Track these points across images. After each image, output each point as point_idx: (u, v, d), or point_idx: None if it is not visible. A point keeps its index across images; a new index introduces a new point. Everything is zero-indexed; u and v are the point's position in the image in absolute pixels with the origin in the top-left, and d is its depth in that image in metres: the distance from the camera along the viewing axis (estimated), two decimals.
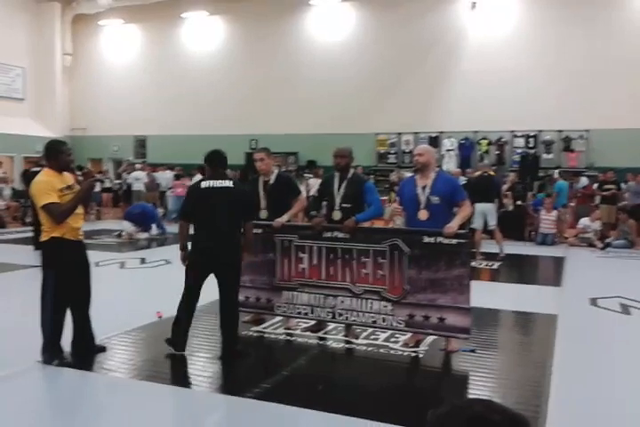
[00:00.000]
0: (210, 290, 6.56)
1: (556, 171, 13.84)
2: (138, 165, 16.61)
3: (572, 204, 13.53)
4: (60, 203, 4.24)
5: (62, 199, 4.27)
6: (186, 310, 4.71)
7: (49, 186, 4.25)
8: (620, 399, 3.96)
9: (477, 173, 10.49)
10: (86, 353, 4.53)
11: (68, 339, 4.51)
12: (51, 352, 4.33)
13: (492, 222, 9.87)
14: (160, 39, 19.53)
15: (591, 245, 11.76)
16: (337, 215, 5.18)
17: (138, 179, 15.71)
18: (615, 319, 6.15)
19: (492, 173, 10.72)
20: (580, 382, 4.25)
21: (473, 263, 8.23)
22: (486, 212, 9.82)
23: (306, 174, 14.76)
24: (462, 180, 11.22)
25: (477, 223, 9.76)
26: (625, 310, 6.49)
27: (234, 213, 4.66)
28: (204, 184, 4.72)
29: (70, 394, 4.02)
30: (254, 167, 5.84)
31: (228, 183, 4.73)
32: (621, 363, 4.75)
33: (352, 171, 5.36)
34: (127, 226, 12.07)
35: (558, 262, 9.88)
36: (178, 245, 4.84)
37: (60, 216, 4.23)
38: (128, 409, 3.73)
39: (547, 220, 12.05)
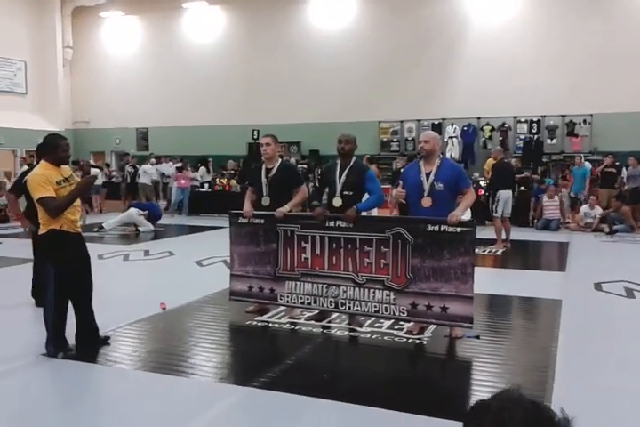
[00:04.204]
0: (213, 281, 6.61)
1: (581, 155, 13.69)
2: (153, 160, 16.56)
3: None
4: (56, 197, 4.23)
5: (59, 192, 4.26)
6: None
7: (45, 179, 4.24)
8: (624, 383, 3.95)
9: (492, 160, 10.30)
10: (90, 345, 4.55)
11: (72, 331, 4.53)
12: (55, 345, 4.35)
13: (509, 210, 9.82)
14: (161, 30, 19.44)
15: (596, 230, 11.73)
16: (338, 202, 5.16)
17: (146, 172, 15.70)
18: (619, 303, 6.13)
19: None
20: (585, 366, 4.24)
21: (477, 250, 8.23)
22: (509, 199, 9.80)
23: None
24: None
25: (500, 211, 9.68)
26: (629, 293, 6.47)
27: None
28: None
29: (76, 386, 4.03)
30: (257, 157, 5.81)
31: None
32: (626, 347, 4.74)
33: (354, 159, 5.33)
34: (134, 211, 12.07)
35: (562, 248, 9.87)
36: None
37: (54, 210, 4.23)
38: (134, 400, 3.74)
39: (550, 205, 12.06)
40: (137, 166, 16.28)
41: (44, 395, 3.95)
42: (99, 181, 14.47)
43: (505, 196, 9.71)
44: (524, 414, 1.04)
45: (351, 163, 5.26)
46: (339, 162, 5.31)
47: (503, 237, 9.79)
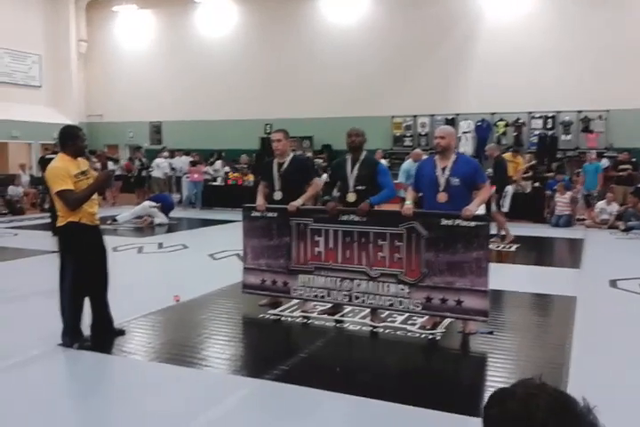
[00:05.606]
0: (226, 274, 6.63)
1: (593, 151, 13.66)
2: (166, 153, 16.59)
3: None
4: (74, 190, 4.25)
5: (77, 185, 4.29)
6: None
7: (64, 172, 4.26)
8: (639, 381, 3.93)
9: (494, 154, 10.21)
10: (105, 336, 4.59)
11: (88, 323, 4.56)
12: (71, 336, 4.39)
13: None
14: (174, 24, 19.44)
15: (612, 226, 11.65)
16: (351, 197, 5.15)
17: (159, 166, 15.75)
18: (635, 301, 6.07)
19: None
20: (599, 363, 4.21)
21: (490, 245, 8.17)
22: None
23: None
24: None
25: (507, 206, 9.69)
26: None
27: None
28: None
29: (90, 377, 4.06)
30: (269, 151, 5.81)
31: None
32: None
33: (364, 153, 5.31)
34: (147, 204, 12.19)
35: (577, 244, 9.79)
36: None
37: (73, 203, 4.26)
38: (147, 391, 3.77)
39: (560, 202, 12.07)
40: (143, 160, 16.34)
41: (60, 385, 3.99)
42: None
43: (511, 191, 9.77)
44: (550, 401, 1.03)
45: (362, 157, 5.23)
46: (349, 157, 5.29)
47: (494, 231, 9.73)
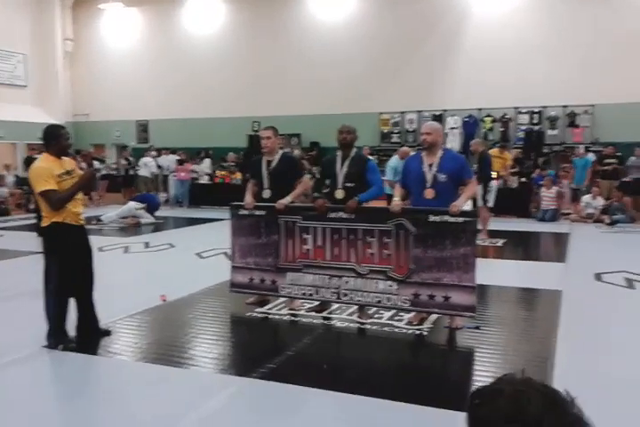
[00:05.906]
0: (213, 273, 6.62)
1: (582, 146, 13.76)
2: (153, 152, 16.49)
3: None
4: (58, 190, 4.22)
5: (60, 185, 4.25)
6: None
7: (47, 172, 4.22)
8: (624, 373, 3.95)
9: (479, 149, 10.22)
10: (91, 337, 4.56)
11: (73, 323, 4.53)
12: (56, 337, 4.35)
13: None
14: (161, 22, 19.30)
15: (597, 220, 11.74)
16: (340, 194, 5.15)
17: (146, 164, 15.66)
18: (619, 294, 6.13)
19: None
20: (584, 356, 4.24)
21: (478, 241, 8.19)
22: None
23: None
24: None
25: (492, 201, 9.71)
26: (629, 284, 6.47)
27: None
28: None
29: (76, 378, 4.03)
30: (257, 149, 5.78)
31: None
32: (626, 337, 4.74)
33: (354, 150, 5.31)
34: (133, 204, 12.11)
35: (563, 238, 9.85)
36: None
37: (56, 203, 4.22)
38: (134, 392, 3.75)
39: (547, 196, 12.15)
40: (130, 159, 16.26)
41: (45, 387, 3.96)
42: (98, 174, 14.42)
43: (495, 186, 9.79)
44: (540, 397, 1.02)
45: (352, 154, 5.23)
46: (339, 153, 5.28)
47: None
